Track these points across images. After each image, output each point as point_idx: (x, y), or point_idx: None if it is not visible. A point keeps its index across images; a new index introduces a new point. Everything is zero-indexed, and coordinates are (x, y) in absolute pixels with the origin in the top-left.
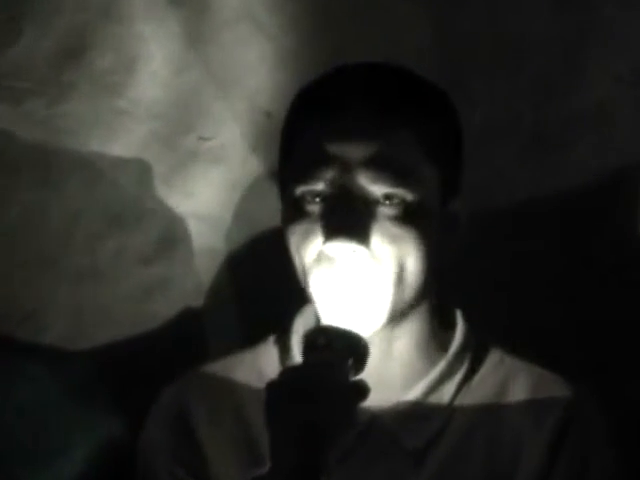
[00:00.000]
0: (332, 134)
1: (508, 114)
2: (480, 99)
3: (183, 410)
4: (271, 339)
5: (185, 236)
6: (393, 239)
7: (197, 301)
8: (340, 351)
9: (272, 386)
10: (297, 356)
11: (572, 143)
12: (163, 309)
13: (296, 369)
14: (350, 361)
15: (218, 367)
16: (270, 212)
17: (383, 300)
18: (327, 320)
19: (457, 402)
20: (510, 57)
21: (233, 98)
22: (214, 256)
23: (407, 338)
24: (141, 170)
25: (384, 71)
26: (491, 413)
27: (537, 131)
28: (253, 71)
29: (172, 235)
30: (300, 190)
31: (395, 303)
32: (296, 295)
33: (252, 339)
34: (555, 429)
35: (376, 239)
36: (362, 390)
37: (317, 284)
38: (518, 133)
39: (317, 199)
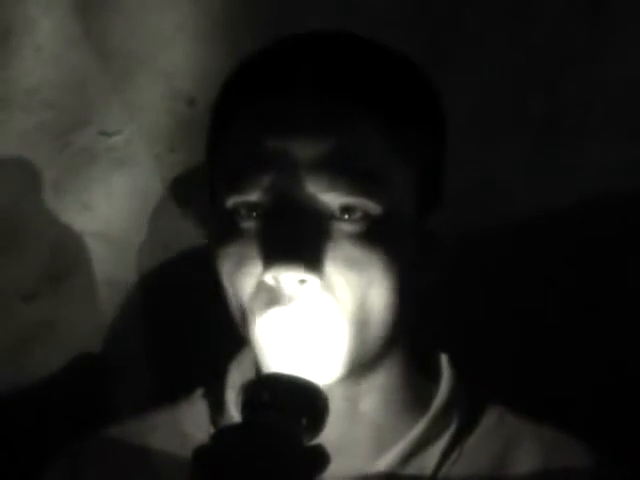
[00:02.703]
0: (272, 127)
1: (510, 97)
2: (472, 77)
3: None
4: (198, 394)
5: (81, 263)
6: (353, 265)
7: (97, 347)
8: (291, 409)
9: (200, 454)
10: (235, 415)
11: (596, 134)
12: (51, 359)
13: (232, 432)
14: (304, 421)
15: (126, 431)
16: (193, 232)
17: (340, 345)
18: (271, 369)
19: (443, 473)
20: (513, 18)
21: (143, 80)
22: (119, 289)
23: (377, 393)
24: (22, 176)
25: (342, 43)
26: None
27: (549, 119)
28: (170, 45)
29: (64, 262)
30: (232, 201)
31: (357, 348)
32: (229, 337)
33: (171, 394)
34: None
35: (331, 265)
36: (320, 458)
37: (255, 323)
38: (523, 122)
39: (254, 213)
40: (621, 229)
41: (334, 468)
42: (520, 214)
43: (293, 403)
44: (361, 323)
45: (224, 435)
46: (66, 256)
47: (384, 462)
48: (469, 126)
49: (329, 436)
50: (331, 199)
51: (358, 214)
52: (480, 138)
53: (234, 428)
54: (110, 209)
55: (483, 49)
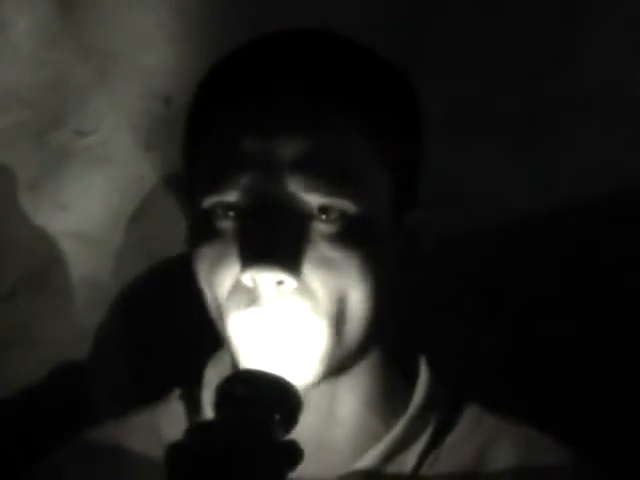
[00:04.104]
0: (249, 126)
1: (487, 93)
2: (449, 74)
3: None
4: (175, 395)
5: (58, 263)
6: (331, 265)
7: (76, 351)
8: (264, 404)
9: (173, 450)
10: (210, 415)
11: (575, 132)
12: (29, 361)
13: (205, 427)
14: (277, 416)
15: (104, 432)
16: (172, 232)
17: (318, 346)
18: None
19: (422, 473)
20: (491, 14)
21: (120, 79)
22: (99, 291)
23: (355, 394)
24: None
25: (321, 41)
26: None
27: (528, 116)
28: (147, 44)
29: (41, 263)
30: (209, 202)
31: (335, 349)
32: (207, 339)
33: (150, 396)
34: None
35: (309, 265)
36: (293, 454)
37: (232, 324)
38: (501, 119)
39: (231, 213)
40: (601, 227)
41: (312, 468)
42: (500, 213)
43: (266, 398)
44: (339, 323)
45: (196, 431)
46: (43, 257)
47: (363, 463)
48: (447, 126)
49: (307, 436)
50: (310, 199)
51: (335, 214)
52: (458, 137)
53: (206, 424)
54: (87, 209)
55: (459, 49)
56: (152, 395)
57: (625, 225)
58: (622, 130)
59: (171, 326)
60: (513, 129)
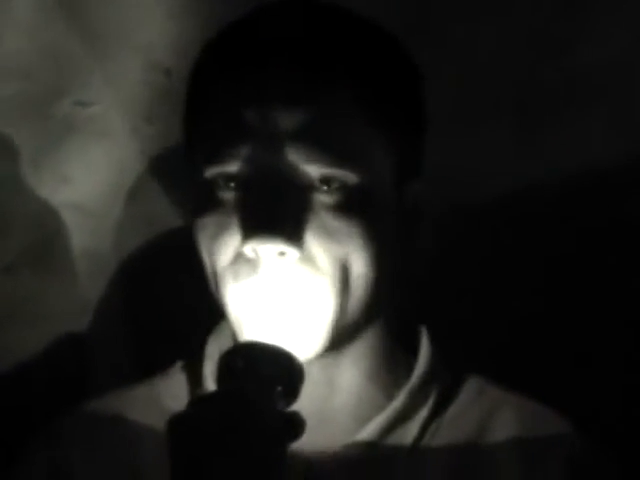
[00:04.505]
0: (250, 98)
1: (490, 75)
2: (453, 54)
3: (59, 464)
4: (177, 367)
5: (60, 236)
6: (333, 235)
7: (77, 323)
8: (265, 376)
9: (175, 421)
10: (212, 387)
11: (576, 115)
12: (30, 332)
13: (207, 400)
14: (279, 388)
15: (106, 403)
16: (173, 205)
17: (321, 317)
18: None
19: (423, 444)
20: (494, 1)
21: (120, 51)
22: (100, 263)
23: (356, 365)
24: None
25: (320, 13)
26: (468, 457)
27: (530, 99)
28: (147, 16)
29: (43, 235)
30: (210, 172)
31: (338, 320)
32: (208, 311)
33: (150, 368)
34: (554, 474)
35: (310, 236)
36: (295, 426)
37: (233, 295)
38: (504, 101)
39: (232, 184)
40: (603, 211)
41: (314, 440)
42: (501, 195)
43: (267, 370)
44: (341, 294)
45: (199, 402)
46: (44, 230)
47: (364, 434)
48: (450, 103)
49: (309, 408)
50: (310, 170)
51: (336, 185)
52: (460, 117)
53: (208, 396)
54: (89, 181)
55: (466, 27)
56: (152, 368)
57: (628, 208)
58: (626, 118)
59: (171, 298)
60: (512, 111)
